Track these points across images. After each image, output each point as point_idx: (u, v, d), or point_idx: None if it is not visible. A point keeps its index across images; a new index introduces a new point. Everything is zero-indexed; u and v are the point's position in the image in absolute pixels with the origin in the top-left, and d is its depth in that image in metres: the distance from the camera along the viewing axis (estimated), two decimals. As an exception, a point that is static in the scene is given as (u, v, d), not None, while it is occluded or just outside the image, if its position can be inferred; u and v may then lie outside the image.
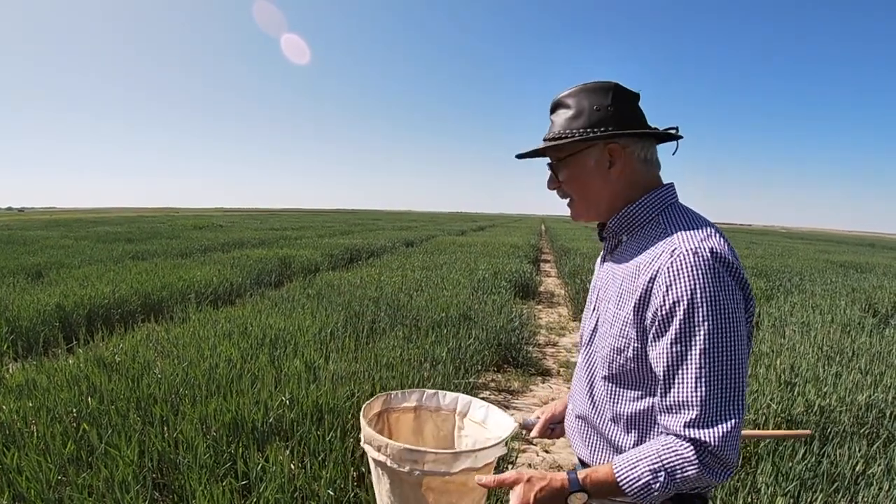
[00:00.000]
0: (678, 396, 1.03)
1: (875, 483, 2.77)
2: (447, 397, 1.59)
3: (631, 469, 1.03)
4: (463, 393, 1.61)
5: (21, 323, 5.58)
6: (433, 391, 1.59)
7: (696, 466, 0.99)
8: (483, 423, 1.52)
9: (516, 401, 4.77)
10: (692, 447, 1.00)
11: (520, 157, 1.35)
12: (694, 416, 1.00)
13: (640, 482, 1.02)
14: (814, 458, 2.91)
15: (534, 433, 1.52)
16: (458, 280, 8.55)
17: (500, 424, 1.47)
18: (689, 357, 1.02)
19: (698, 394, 1.00)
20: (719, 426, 0.99)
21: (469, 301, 6.85)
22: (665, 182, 1.26)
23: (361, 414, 1.39)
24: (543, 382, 5.32)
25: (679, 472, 1.00)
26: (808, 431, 1.78)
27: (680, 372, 1.03)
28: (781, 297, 8.31)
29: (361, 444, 1.30)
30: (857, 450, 3.00)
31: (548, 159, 1.32)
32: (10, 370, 4.22)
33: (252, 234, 20.44)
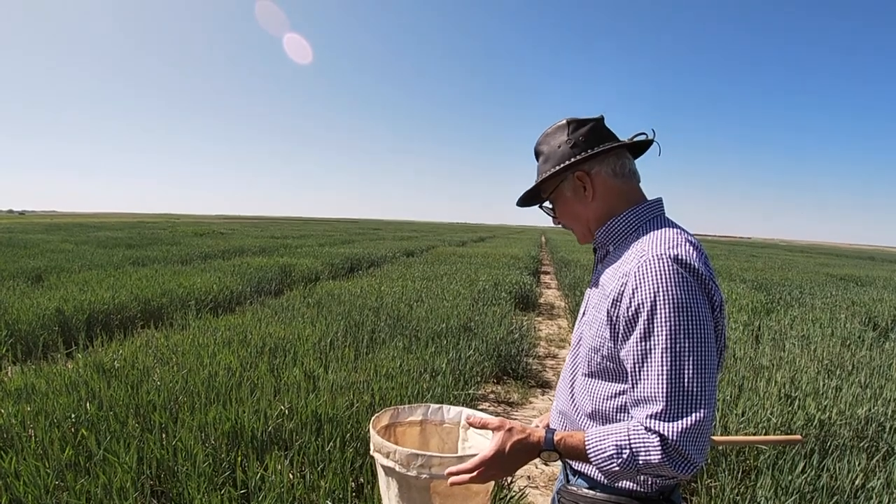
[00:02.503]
0: (643, 391, 1.10)
1: (874, 497, 2.76)
2: (451, 411, 1.65)
3: (600, 441, 1.11)
4: (464, 404, 1.64)
5: (20, 327, 5.59)
6: (437, 405, 1.66)
7: (658, 454, 1.05)
8: (486, 435, 1.56)
9: (516, 413, 4.76)
10: (657, 437, 1.05)
11: (519, 205, 1.49)
12: (656, 410, 1.06)
13: (605, 454, 1.10)
14: (813, 472, 2.91)
15: None
16: (459, 291, 8.55)
17: None
18: (652, 355, 1.09)
19: (660, 390, 1.07)
20: (679, 422, 1.04)
21: (469, 312, 6.85)
22: (653, 197, 1.35)
23: (371, 425, 1.46)
24: (543, 394, 5.31)
25: (642, 454, 1.06)
26: (798, 437, 1.79)
27: (644, 368, 1.10)
28: (781, 311, 8.31)
29: (371, 452, 1.35)
30: (857, 463, 3.00)
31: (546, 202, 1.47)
32: (9, 374, 4.22)
33: (253, 242, 20.47)
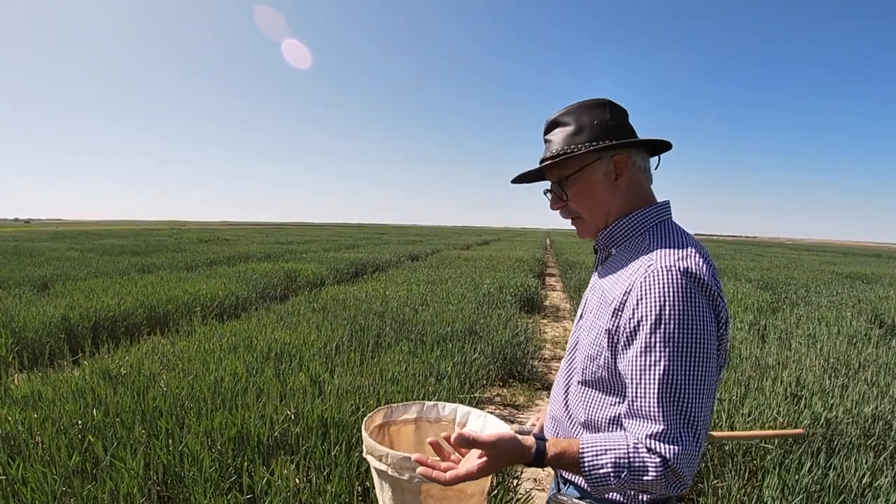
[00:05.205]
0: (643, 407, 1.04)
1: (882, 495, 2.75)
2: (446, 408, 1.60)
3: (597, 455, 1.03)
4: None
5: (27, 334, 5.62)
6: (433, 403, 1.61)
7: (658, 474, 1.00)
8: (482, 433, 1.54)
9: (521, 416, 4.75)
10: (658, 458, 1.01)
11: (517, 181, 1.37)
12: (657, 431, 1.02)
13: (602, 470, 1.02)
14: (820, 471, 2.90)
15: None
16: (464, 294, 8.55)
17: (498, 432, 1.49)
18: (653, 371, 1.04)
19: (661, 409, 1.02)
20: (679, 445, 1.00)
21: (474, 315, 6.85)
22: (661, 200, 1.29)
23: (363, 426, 1.41)
24: (549, 397, 5.29)
25: (640, 474, 1.01)
26: (800, 430, 1.77)
27: (644, 384, 1.05)
28: (787, 310, 8.28)
29: (364, 454, 1.32)
30: (864, 462, 2.98)
31: (545, 183, 1.35)
32: (16, 381, 4.24)
33: (257, 248, 20.51)
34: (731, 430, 3.40)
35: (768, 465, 3.00)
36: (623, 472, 1.01)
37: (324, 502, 2.53)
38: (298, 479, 2.71)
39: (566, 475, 1.30)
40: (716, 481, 3.04)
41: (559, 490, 1.33)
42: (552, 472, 1.39)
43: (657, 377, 1.03)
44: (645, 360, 1.05)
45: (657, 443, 1.01)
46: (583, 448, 1.05)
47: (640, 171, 1.27)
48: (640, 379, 1.05)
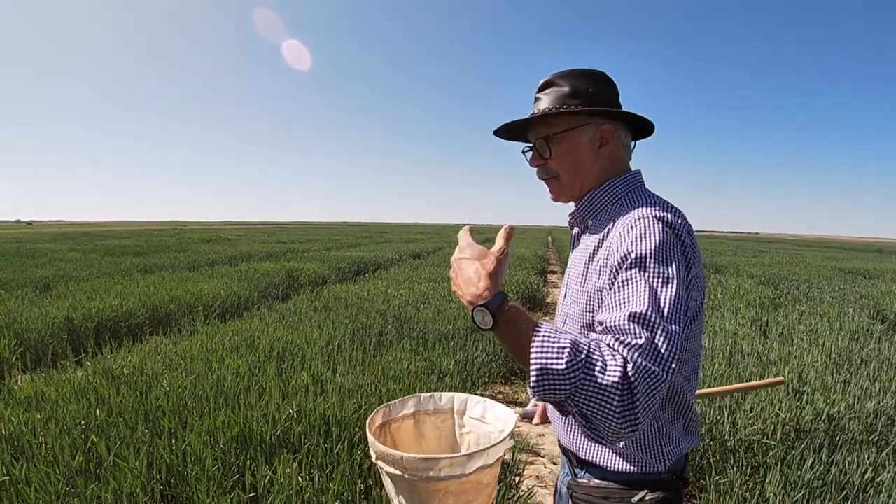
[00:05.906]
0: (621, 325, 0.95)
1: (884, 490, 2.75)
2: (443, 398, 1.60)
3: (556, 333, 0.92)
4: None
5: (30, 335, 5.63)
6: (429, 394, 1.60)
7: (613, 376, 0.87)
8: (482, 419, 1.53)
9: (523, 411, 4.75)
10: (621, 360, 0.89)
11: (499, 132, 1.37)
12: (632, 342, 0.92)
13: (557, 345, 0.89)
14: (822, 467, 2.90)
15: (535, 420, 1.61)
16: (465, 291, 8.54)
17: (500, 417, 1.49)
18: (631, 299, 0.98)
19: (637, 327, 0.94)
20: (650, 363, 0.90)
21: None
22: (654, 191, 1.31)
23: (367, 430, 1.39)
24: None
25: (598, 366, 0.88)
26: (780, 379, 1.79)
27: (617, 307, 0.99)
28: (789, 306, 8.27)
29: (374, 460, 1.29)
30: (866, 457, 2.99)
31: (525, 143, 1.37)
32: (19, 382, 4.26)
33: (259, 248, 20.51)
34: (734, 427, 3.40)
35: (770, 461, 3.00)
36: (581, 353, 0.89)
37: (326, 500, 2.54)
38: (301, 477, 2.71)
39: (582, 456, 1.28)
40: (717, 477, 3.04)
41: (575, 475, 1.32)
42: (557, 468, 1.38)
43: (631, 304, 0.97)
44: (623, 292, 1.00)
45: (622, 347, 0.91)
46: (541, 324, 0.95)
47: (622, 147, 1.30)
48: (615, 306, 1.00)
